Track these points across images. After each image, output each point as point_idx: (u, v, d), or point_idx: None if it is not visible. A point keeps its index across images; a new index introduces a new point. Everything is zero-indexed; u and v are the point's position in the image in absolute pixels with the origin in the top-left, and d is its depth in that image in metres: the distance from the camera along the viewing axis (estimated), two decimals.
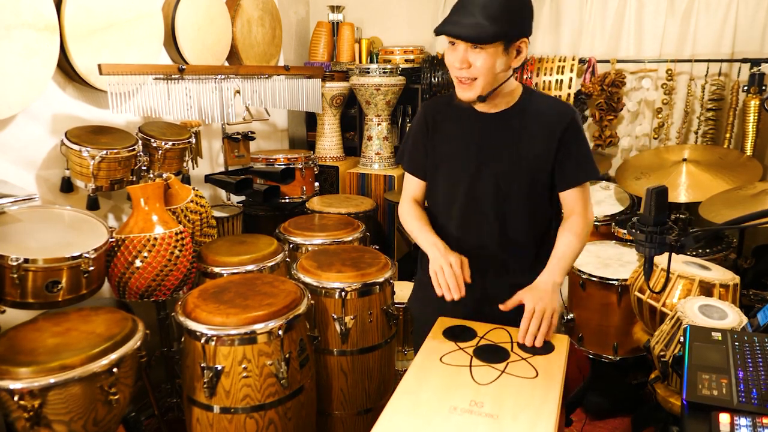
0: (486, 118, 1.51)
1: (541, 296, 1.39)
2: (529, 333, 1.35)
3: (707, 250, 2.50)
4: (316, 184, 3.23)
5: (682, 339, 1.68)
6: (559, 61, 3.12)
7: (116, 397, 1.49)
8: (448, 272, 1.40)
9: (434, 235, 1.54)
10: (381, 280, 2.05)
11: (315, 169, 3.21)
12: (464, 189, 1.53)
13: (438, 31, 1.38)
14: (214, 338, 1.63)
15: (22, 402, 1.34)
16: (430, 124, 1.59)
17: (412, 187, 1.67)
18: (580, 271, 2.45)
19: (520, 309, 1.47)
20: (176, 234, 2.03)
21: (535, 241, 1.55)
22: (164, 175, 2.28)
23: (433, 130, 1.58)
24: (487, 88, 1.40)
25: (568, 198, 1.52)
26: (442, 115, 1.58)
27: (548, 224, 1.57)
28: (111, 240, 1.90)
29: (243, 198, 3.11)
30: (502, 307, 1.43)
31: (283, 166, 2.94)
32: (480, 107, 1.50)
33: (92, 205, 2.14)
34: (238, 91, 2.73)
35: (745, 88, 2.81)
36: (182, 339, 1.75)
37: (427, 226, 1.59)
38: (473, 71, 1.37)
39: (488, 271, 1.55)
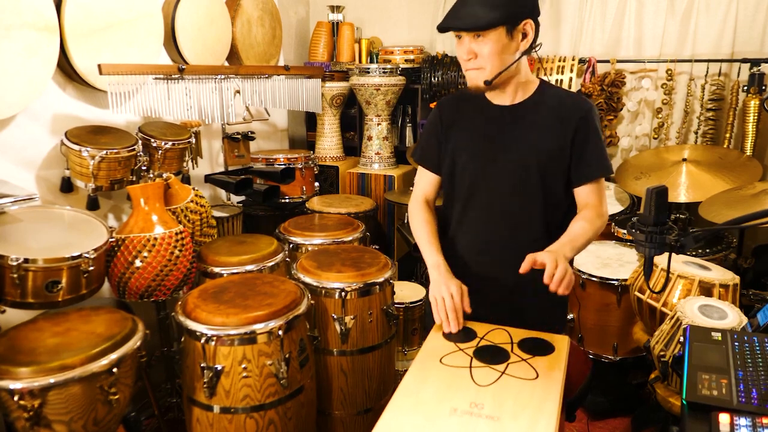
0: (500, 110, 1.52)
1: (557, 256, 1.31)
2: (555, 278, 1.26)
3: (707, 250, 2.50)
4: (316, 184, 3.23)
5: (682, 339, 1.68)
6: (559, 61, 3.12)
7: (116, 397, 1.49)
8: (449, 304, 1.40)
9: (438, 253, 1.53)
10: (381, 280, 2.05)
11: (315, 169, 3.21)
12: (479, 181, 1.53)
13: (441, 28, 1.40)
14: (214, 338, 1.63)
15: (22, 402, 1.34)
16: (444, 119, 1.60)
17: (425, 183, 1.67)
18: (580, 271, 2.45)
19: (523, 315, 1.48)
20: (176, 234, 2.03)
21: (549, 236, 1.52)
22: (164, 175, 2.28)
23: (447, 125, 1.60)
24: (494, 72, 1.42)
25: (582, 194, 1.51)
26: (456, 110, 1.59)
27: (562, 219, 1.54)
28: (111, 240, 1.90)
29: (243, 198, 3.11)
30: (521, 270, 1.31)
31: (283, 166, 2.94)
32: (495, 99, 1.52)
33: (92, 205, 2.15)
34: (238, 91, 2.73)
35: (745, 88, 2.81)
36: (182, 339, 1.75)
37: (434, 238, 1.57)
38: (480, 61, 1.41)
39: (504, 265, 1.53)
